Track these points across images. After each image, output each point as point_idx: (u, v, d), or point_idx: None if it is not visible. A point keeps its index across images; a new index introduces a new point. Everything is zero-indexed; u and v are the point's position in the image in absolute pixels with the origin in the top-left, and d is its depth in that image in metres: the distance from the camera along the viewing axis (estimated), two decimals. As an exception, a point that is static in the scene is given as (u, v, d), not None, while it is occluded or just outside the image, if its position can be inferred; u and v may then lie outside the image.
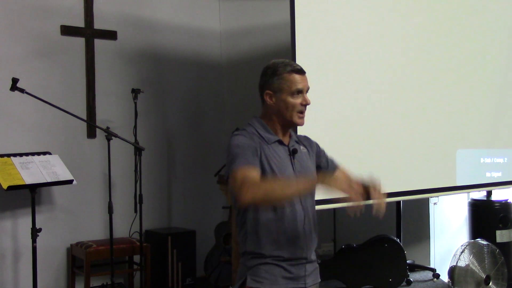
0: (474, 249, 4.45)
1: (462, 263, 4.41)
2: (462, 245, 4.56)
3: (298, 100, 2.19)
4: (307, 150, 2.35)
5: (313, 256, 2.27)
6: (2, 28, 4.45)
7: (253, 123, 2.24)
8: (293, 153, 2.24)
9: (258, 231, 2.14)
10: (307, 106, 2.23)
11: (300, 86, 2.19)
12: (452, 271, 4.52)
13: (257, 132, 2.20)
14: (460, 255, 4.43)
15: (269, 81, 2.20)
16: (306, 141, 2.38)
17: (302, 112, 2.21)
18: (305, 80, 2.22)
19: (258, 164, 2.09)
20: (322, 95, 3.85)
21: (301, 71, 2.21)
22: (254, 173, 2.03)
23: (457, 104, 4.54)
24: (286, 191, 2.00)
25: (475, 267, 4.39)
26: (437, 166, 4.44)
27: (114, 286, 4.22)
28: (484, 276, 4.41)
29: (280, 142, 2.23)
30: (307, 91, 2.23)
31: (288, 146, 2.25)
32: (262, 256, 2.14)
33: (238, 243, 2.24)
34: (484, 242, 4.54)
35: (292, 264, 2.17)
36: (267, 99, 2.21)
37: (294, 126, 2.26)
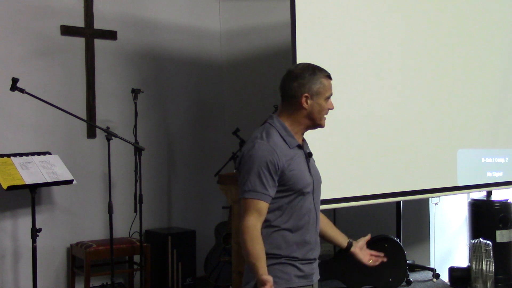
0: (487, 248, 4.44)
1: (477, 263, 4.39)
2: (471, 245, 4.52)
3: (327, 105, 2.28)
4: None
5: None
6: (2, 28, 4.45)
7: (275, 125, 2.25)
8: (308, 156, 2.30)
9: (274, 233, 2.19)
10: None
11: (332, 92, 2.29)
12: (453, 271, 4.52)
13: (281, 136, 2.22)
14: (474, 255, 4.41)
15: (308, 84, 2.23)
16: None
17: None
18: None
19: (271, 192, 2.15)
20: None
21: (331, 77, 2.30)
22: (257, 215, 2.14)
23: (458, 104, 4.54)
24: (253, 265, 2.11)
25: (488, 266, 4.38)
26: (438, 166, 4.44)
27: (114, 286, 4.22)
28: (492, 274, 4.40)
29: (299, 147, 2.27)
30: None
31: (303, 149, 2.29)
32: (277, 256, 2.19)
33: (237, 243, 2.26)
34: (489, 242, 4.54)
35: (303, 263, 2.23)
36: (303, 101, 2.23)
37: (318, 128, 2.32)
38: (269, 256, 2.18)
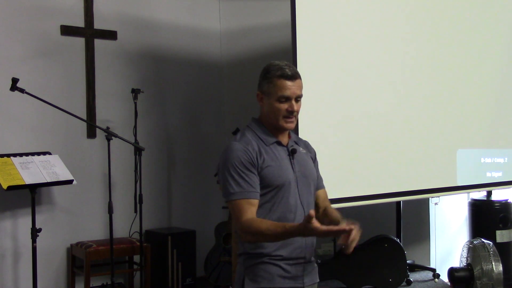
0: (492, 248, 4.44)
1: (485, 263, 4.38)
2: (472, 245, 4.52)
3: (284, 106, 2.17)
4: (306, 151, 2.36)
5: (312, 257, 2.28)
6: (2, 28, 4.45)
7: (251, 125, 2.27)
8: (292, 153, 2.24)
9: None
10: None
11: (287, 93, 2.16)
12: (455, 271, 4.52)
13: (256, 134, 2.22)
14: (482, 255, 4.40)
15: (261, 83, 2.23)
16: (305, 145, 2.39)
17: (289, 117, 2.19)
18: (296, 86, 2.17)
19: (257, 188, 2.13)
20: (323, 96, 3.85)
21: (291, 77, 2.16)
22: (251, 210, 2.10)
23: (458, 104, 4.54)
24: (279, 238, 2.06)
25: (497, 267, 4.38)
26: (437, 166, 4.45)
27: (114, 286, 4.22)
28: (501, 273, 4.39)
29: (279, 143, 2.23)
30: (297, 98, 2.19)
31: (287, 146, 2.25)
32: (260, 255, 2.15)
33: (237, 243, 2.25)
34: (490, 242, 4.54)
35: (289, 263, 2.18)
36: (258, 100, 2.25)
37: (283, 129, 2.24)
38: (252, 255, 2.16)
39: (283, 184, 2.17)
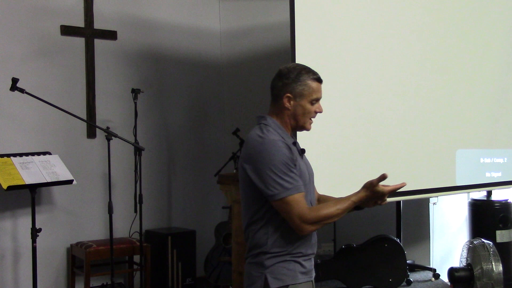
0: (492, 248, 4.44)
1: (486, 263, 4.38)
2: (472, 245, 4.52)
3: (314, 108, 2.27)
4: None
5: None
6: (2, 28, 4.45)
7: (270, 125, 2.25)
8: (302, 152, 2.31)
9: (283, 230, 2.18)
10: None
11: (319, 95, 2.28)
12: (455, 271, 4.52)
13: (278, 133, 2.23)
14: (483, 254, 4.40)
15: (291, 85, 2.23)
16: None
17: (312, 119, 2.30)
18: (321, 89, 2.30)
19: (302, 182, 2.19)
20: (322, 95, 3.84)
21: (321, 80, 2.29)
22: (305, 202, 2.17)
23: (457, 104, 4.54)
24: (342, 213, 2.18)
25: (497, 266, 4.38)
26: (437, 166, 4.44)
27: (114, 286, 4.22)
28: (501, 273, 4.39)
29: (294, 144, 2.28)
30: None
31: (297, 146, 2.30)
32: (283, 254, 2.19)
33: (250, 242, 2.25)
34: (490, 242, 4.54)
35: (305, 259, 2.25)
36: (285, 101, 2.24)
37: (302, 130, 2.32)
38: (274, 254, 2.18)
39: (305, 183, 2.23)
